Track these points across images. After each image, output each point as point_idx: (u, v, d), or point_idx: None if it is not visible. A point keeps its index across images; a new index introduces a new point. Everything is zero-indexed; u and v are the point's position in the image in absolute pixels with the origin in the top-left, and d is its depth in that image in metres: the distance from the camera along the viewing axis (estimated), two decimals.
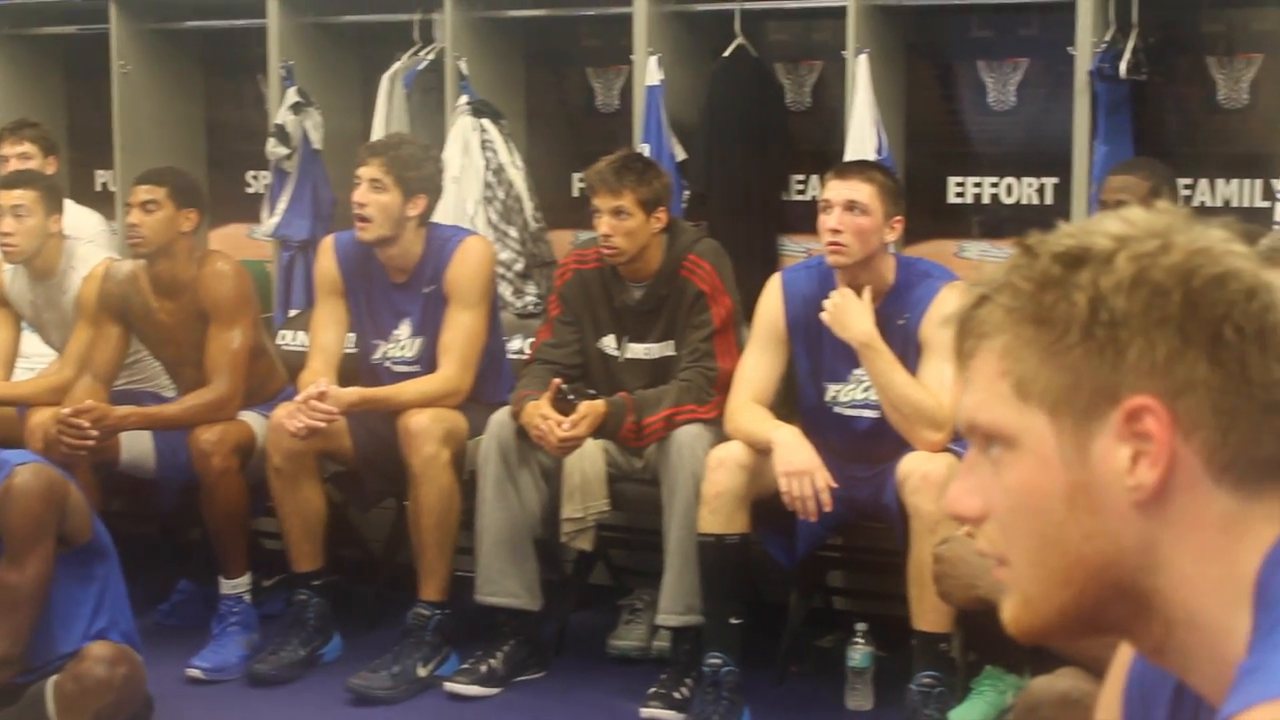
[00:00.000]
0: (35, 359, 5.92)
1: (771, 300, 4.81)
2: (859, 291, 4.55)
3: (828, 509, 4.52)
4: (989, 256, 5.62)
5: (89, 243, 5.78)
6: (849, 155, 5.31)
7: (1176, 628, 1.32)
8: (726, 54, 5.73)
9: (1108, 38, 5.14)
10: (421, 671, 5.00)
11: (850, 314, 4.53)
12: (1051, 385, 1.31)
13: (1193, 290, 1.29)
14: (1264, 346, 1.30)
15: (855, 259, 4.55)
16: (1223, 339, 1.29)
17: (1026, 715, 2.79)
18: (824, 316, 4.58)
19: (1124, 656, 1.52)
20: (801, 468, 4.52)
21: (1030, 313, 1.31)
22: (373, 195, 5.11)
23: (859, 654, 4.71)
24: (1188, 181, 5.34)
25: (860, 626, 4.74)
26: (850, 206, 4.53)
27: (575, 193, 6.17)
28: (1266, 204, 5.12)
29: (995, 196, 5.71)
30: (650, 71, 5.65)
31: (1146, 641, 1.35)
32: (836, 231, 4.53)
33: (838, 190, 4.57)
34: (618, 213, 4.90)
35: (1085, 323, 1.29)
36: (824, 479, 4.50)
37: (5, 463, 4.20)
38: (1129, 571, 1.31)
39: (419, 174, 5.17)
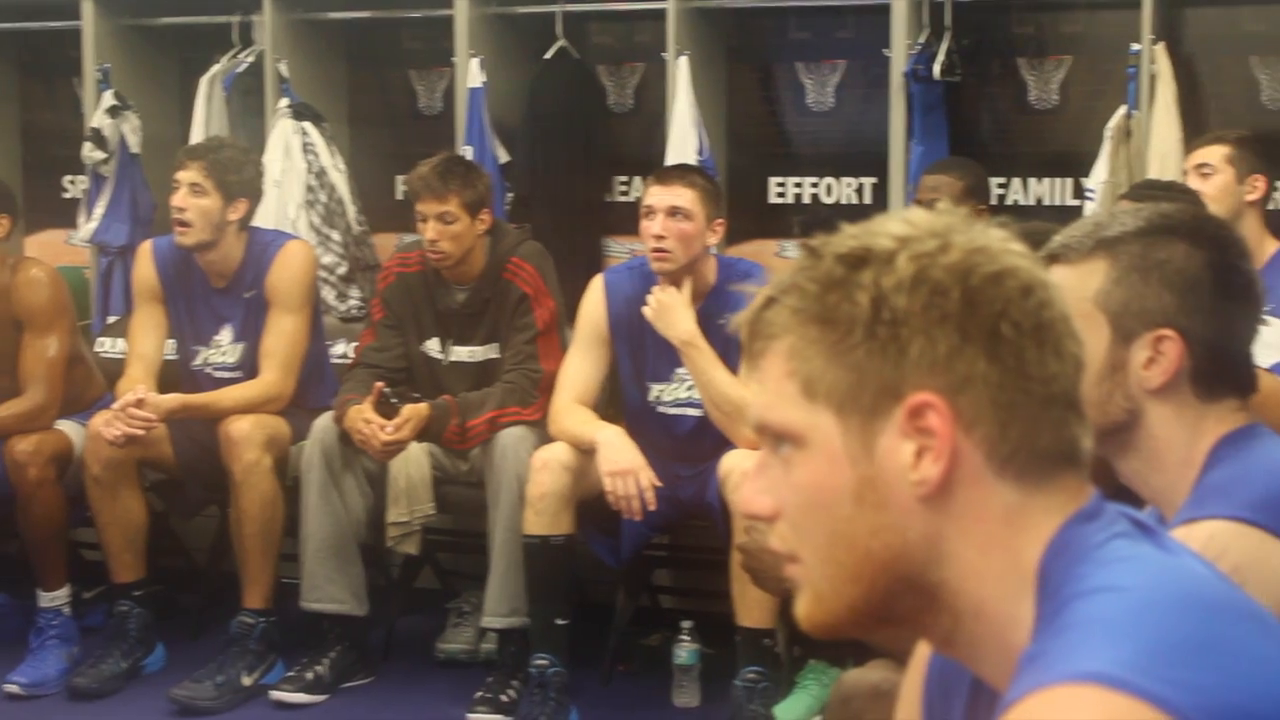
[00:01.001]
0: None
1: (594, 301, 4.82)
2: (679, 289, 4.57)
3: (652, 508, 4.53)
4: None
5: None
6: (670, 157, 5.34)
7: (964, 619, 1.34)
8: (548, 56, 5.72)
9: (922, 40, 5.21)
10: (246, 680, 4.93)
11: (673, 313, 4.55)
12: (837, 384, 1.33)
13: (971, 288, 1.32)
14: (1040, 342, 1.33)
15: (680, 264, 4.57)
16: (1000, 335, 1.31)
17: (839, 707, 2.82)
18: (646, 312, 4.59)
19: (925, 649, 1.54)
20: (625, 467, 4.52)
21: (815, 313, 1.33)
22: (192, 200, 5.03)
23: (685, 651, 4.72)
24: (1001, 181, 5.44)
25: (686, 624, 4.75)
26: (673, 212, 4.55)
27: (399, 196, 6.12)
28: (1077, 202, 5.21)
29: (815, 196, 5.76)
30: (472, 74, 5.63)
31: (936, 633, 1.37)
32: (660, 238, 4.55)
33: (660, 196, 4.58)
34: (443, 217, 4.87)
35: (868, 322, 1.31)
36: (648, 478, 4.51)
37: None
38: (916, 565, 1.33)
39: (239, 178, 5.10)
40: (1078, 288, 2.00)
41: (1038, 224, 2.85)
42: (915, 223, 1.35)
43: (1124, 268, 2.01)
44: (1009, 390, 1.32)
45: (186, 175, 5.05)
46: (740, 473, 4.41)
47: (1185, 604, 1.26)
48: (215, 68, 6.08)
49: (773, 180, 5.81)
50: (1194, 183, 4.53)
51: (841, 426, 1.33)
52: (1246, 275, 2.06)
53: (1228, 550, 1.83)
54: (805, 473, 1.35)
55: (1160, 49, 5.00)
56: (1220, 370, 2.01)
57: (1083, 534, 1.33)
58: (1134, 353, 2.01)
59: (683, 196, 4.57)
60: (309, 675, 4.90)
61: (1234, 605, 1.30)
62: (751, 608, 4.44)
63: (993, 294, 1.32)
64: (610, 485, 4.52)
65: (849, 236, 1.35)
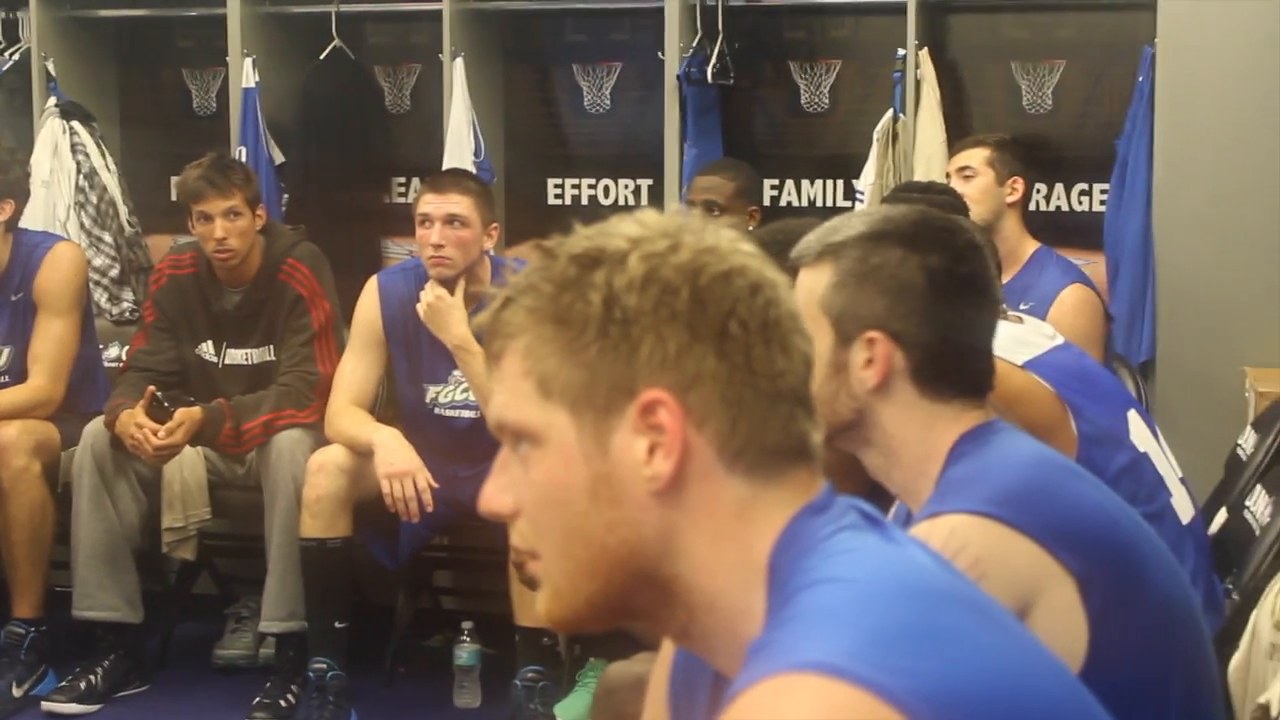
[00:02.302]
0: None
1: (368, 303, 4.76)
2: (452, 291, 4.53)
3: (430, 509, 4.49)
4: None
5: None
6: (447, 158, 5.30)
7: (698, 612, 1.36)
8: (323, 56, 5.63)
9: (695, 43, 5.23)
10: (17, 692, 4.80)
11: (446, 316, 4.51)
12: (571, 382, 1.34)
13: (700, 287, 1.34)
14: (768, 339, 1.36)
15: (459, 269, 4.55)
16: (728, 333, 1.34)
17: (604, 699, 2.84)
18: (419, 312, 4.55)
19: (670, 643, 1.56)
20: (402, 469, 4.48)
21: (550, 313, 1.35)
22: None
23: (465, 652, 4.68)
24: (774, 183, 5.48)
25: (466, 625, 4.71)
26: (450, 220, 4.53)
27: (173, 196, 5.97)
28: (848, 204, 5.27)
29: (593, 198, 5.75)
30: (246, 73, 5.53)
31: (674, 627, 1.39)
32: (439, 246, 4.52)
33: (436, 204, 4.55)
34: (231, 213, 4.77)
35: (600, 321, 1.33)
36: (425, 479, 4.48)
37: None
38: (651, 560, 1.35)
39: (4, 178, 4.96)
40: (810, 290, 2.06)
41: (795, 221, 2.89)
42: (647, 223, 1.38)
43: (843, 272, 2.05)
44: (738, 387, 1.35)
45: None
46: None
47: (906, 593, 1.28)
48: None
49: (551, 181, 5.79)
50: (956, 185, 4.60)
51: (576, 424, 1.35)
52: (970, 278, 2.08)
53: (968, 544, 1.86)
54: (542, 470, 1.36)
55: (925, 55, 5.09)
56: (943, 370, 2.05)
57: (811, 526, 1.35)
58: (853, 354, 2.05)
59: (459, 204, 4.54)
60: (82, 685, 4.77)
61: (955, 594, 1.33)
62: (530, 607, 4.40)
63: (721, 293, 1.35)
64: (387, 487, 4.48)
65: (583, 237, 1.37)
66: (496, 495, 1.40)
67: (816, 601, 1.27)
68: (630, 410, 1.33)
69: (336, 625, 4.58)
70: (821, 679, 1.18)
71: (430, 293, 4.53)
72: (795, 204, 5.48)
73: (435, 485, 4.49)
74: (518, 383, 1.36)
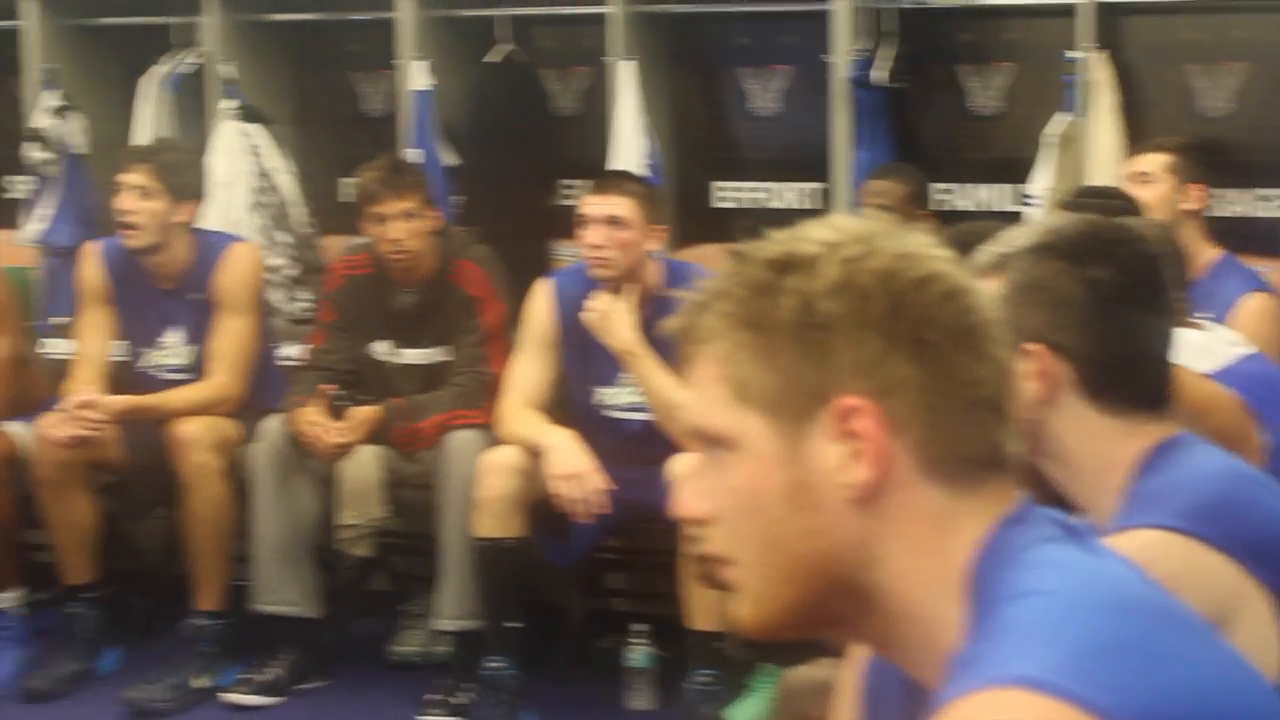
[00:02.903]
0: None
1: (541, 305, 4.77)
2: (618, 293, 4.53)
3: (602, 511, 4.48)
4: None
5: None
6: (614, 161, 5.29)
7: (896, 621, 1.35)
8: (493, 60, 5.66)
9: (864, 46, 5.18)
10: (199, 683, 4.87)
11: (613, 321, 4.51)
12: (766, 388, 1.33)
13: (895, 293, 1.32)
14: (965, 346, 1.33)
15: (620, 271, 4.54)
16: (925, 340, 1.32)
17: (785, 703, 2.85)
18: (587, 319, 4.55)
19: (861, 648, 1.56)
20: (574, 470, 4.48)
21: (743, 317, 1.33)
22: (139, 202, 4.95)
23: (638, 654, 4.67)
24: (945, 186, 5.41)
25: (639, 627, 4.70)
26: (610, 221, 4.52)
27: (344, 198, 6.03)
28: (1018, 208, 5.20)
29: (760, 201, 5.72)
30: (419, 76, 5.57)
31: (870, 635, 1.38)
32: (598, 247, 4.51)
33: (596, 206, 4.56)
34: (408, 215, 4.81)
35: (794, 326, 1.32)
36: (597, 481, 4.47)
37: None
38: (849, 567, 1.34)
39: (186, 180, 5.03)
40: None
41: (979, 224, 2.86)
42: (841, 228, 1.36)
43: (1010, 285, 2.04)
44: (935, 394, 1.32)
45: (132, 178, 4.97)
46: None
47: (1110, 607, 1.26)
48: (158, 69, 5.99)
49: (717, 184, 5.77)
50: (1132, 190, 4.52)
51: (771, 430, 1.33)
52: (1138, 289, 2.06)
53: (1160, 559, 1.83)
54: (737, 476, 1.35)
55: (1099, 57, 5.00)
56: (1112, 382, 2.02)
57: (1011, 537, 1.33)
58: (1021, 366, 2.02)
59: (619, 205, 4.53)
60: (262, 677, 4.84)
61: (1158, 608, 1.31)
62: (703, 610, 4.40)
63: (917, 299, 1.33)
64: (559, 489, 4.48)
65: (776, 241, 1.36)
66: (691, 500, 1.38)
67: (1021, 615, 1.25)
68: (825, 417, 1.31)
69: (510, 625, 4.59)
70: (1030, 694, 1.17)
71: (598, 301, 4.54)
72: (964, 208, 5.42)
73: (608, 487, 4.49)
74: (712, 388, 1.35)
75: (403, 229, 4.82)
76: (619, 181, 4.70)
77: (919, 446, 1.32)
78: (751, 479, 1.34)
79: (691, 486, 1.38)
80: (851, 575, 1.34)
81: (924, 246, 1.36)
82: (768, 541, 1.34)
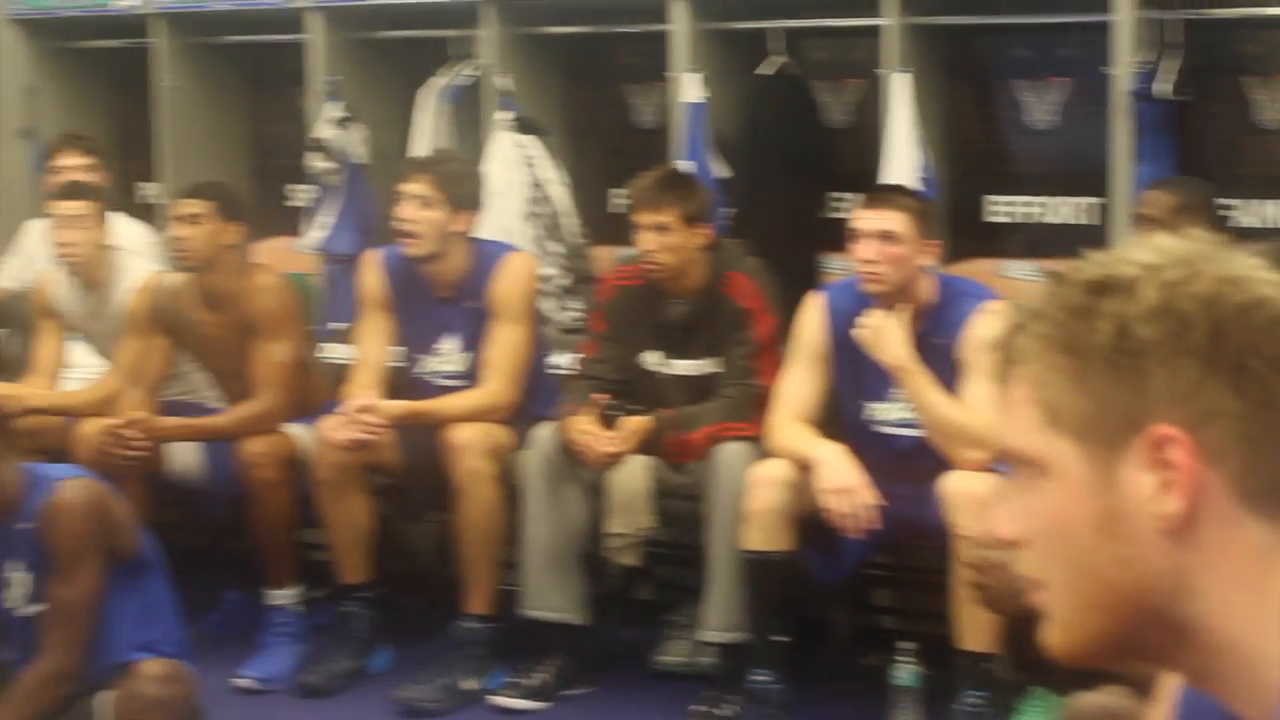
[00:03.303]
0: (84, 369, 5.87)
1: (812, 318, 4.73)
2: (890, 308, 4.47)
3: (873, 527, 4.42)
4: (1029, 275, 5.50)
5: (138, 255, 5.72)
6: (887, 174, 5.23)
7: (1216, 654, 1.29)
8: (765, 72, 5.63)
9: (1147, 58, 5.03)
10: (468, 684, 4.93)
11: (885, 337, 4.45)
12: (1079, 413, 1.29)
13: (1218, 319, 1.26)
14: None
15: (892, 286, 4.49)
16: (1248, 368, 1.26)
17: None
18: (859, 335, 4.50)
19: (1172, 679, 1.50)
20: (844, 485, 4.43)
21: (1058, 340, 1.30)
22: (420, 211, 5.04)
23: (905, 673, 4.60)
24: (1230, 202, 5.23)
25: (906, 645, 4.63)
26: (882, 235, 4.47)
27: (616, 209, 6.07)
28: None
29: (1035, 216, 5.60)
30: (691, 89, 5.57)
31: (1187, 668, 1.33)
32: (870, 262, 4.46)
33: (869, 220, 4.51)
34: (660, 228, 4.82)
35: (1110, 351, 1.27)
36: (867, 496, 4.41)
37: (49, 478, 4.12)
38: (1163, 598, 1.29)
39: (465, 190, 5.12)
40: None
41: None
42: (1163, 250, 1.30)
43: None
44: (1256, 425, 1.26)
45: (413, 187, 5.06)
46: (963, 495, 4.32)
47: None
48: (437, 81, 6.08)
49: (993, 199, 5.66)
50: None
51: (1083, 456, 1.29)
52: None
53: None
54: (1048, 501, 1.31)
55: None
56: None
57: None
58: None
59: (891, 220, 4.48)
60: (530, 682, 4.89)
61: None
62: (974, 630, 4.32)
63: (1240, 325, 1.26)
64: (829, 503, 4.43)
65: (1095, 263, 1.32)
66: (1004, 521, 1.35)
67: None
68: (1139, 444, 1.26)
69: (777, 639, 4.57)
70: None
71: (870, 318, 4.48)
72: (1251, 224, 5.22)
73: (878, 502, 4.43)
74: (1025, 410, 1.32)
75: (653, 241, 4.82)
76: (891, 195, 4.64)
77: (1236, 478, 1.27)
78: (1061, 505, 1.31)
79: (1004, 507, 1.36)
80: (1165, 606, 1.29)
81: (1251, 270, 1.30)
82: (1077, 568, 1.31)
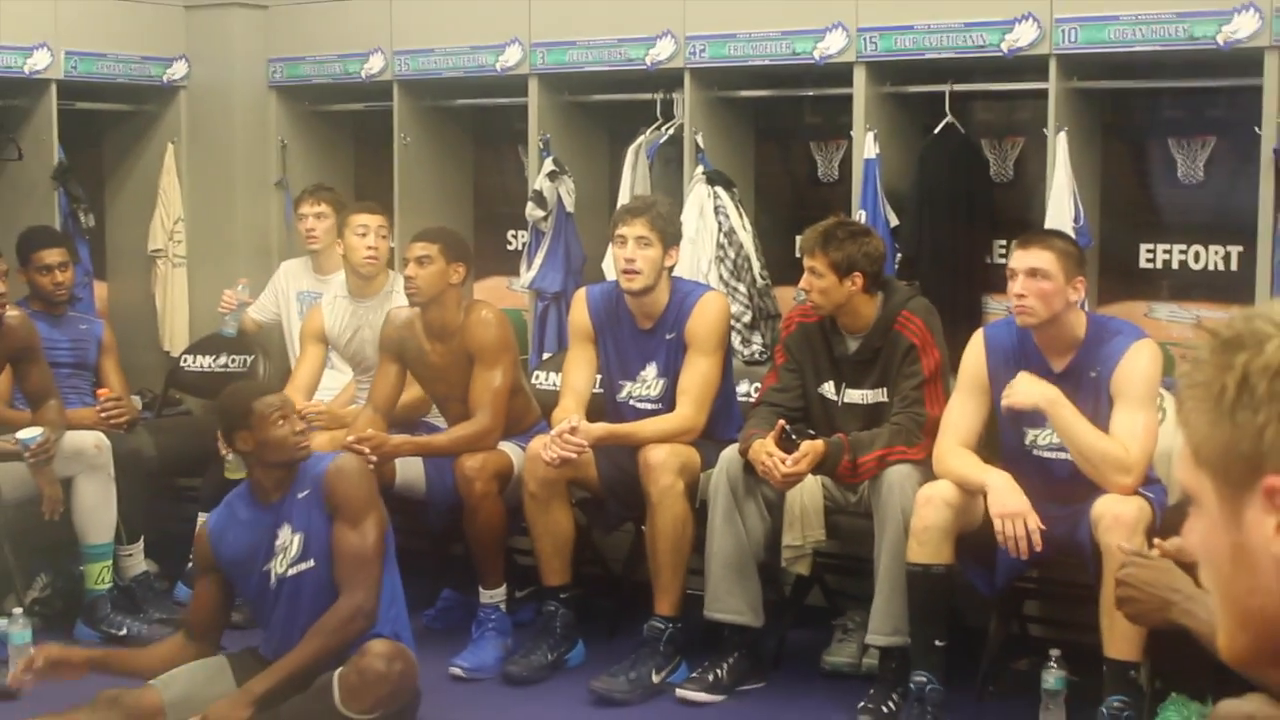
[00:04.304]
0: (328, 390, 6.11)
1: (975, 353, 4.76)
2: (1049, 350, 4.52)
3: (1039, 549, 4.43)
4: (1176, 318, 5.48)
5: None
6: (1048, 223, 5.22)
7: None
8: (937, 130, 5.67)
9: None
10: (655, 678, 5.01)
11: (1024, 386, 4.49)
12: (1213, 455, 1.32)
13: None
14: None
15: (1041, 319, 4.51)
16: None
17: None
18: (1005, 403, 4.51)
19: None
20: (1015, 510, 4.44)
21: (1201, 387, 1.33)
22: (640, 251, 5.15)
23: (1053, 677, 4.59)
24: None
25: (1054, 652, 4.62)
26: (1033, 273, 4.50)
27: (798, 253, 6.12)
28: None
29: (1183, 262, 5.56)
30: (868, 146, 5.62)
31: None
32: (1021, 296, 4.50)
33: (1021, 259, 4.55)
34: (814, 273, 4.89)
35: (1234, 401, 1.29)
36: (1035, 521, 4.42)
37: (321, 457, 4.45)
38: None
39: (674, 229, 5.24)
40: None
41: None
42: None
43: None
44: None
45: (633, 230, 5.17)
46: (1112, 516, 4.32)
47: None
48: (640, 138, 6.19)
49: (1144, 246, 5.64)
50: None
51: (1219, 494, 1.32)
52: None
53: None
54: (1200, 529, 1.35)
55: None
56: None
57: None
58: None
59: (1040, 258, 4.51)
60: (710, 677, 4.95)
61: None
62: (1119, 640, 4.31)
63: None
64: (1000, 527, 4.44)
65: (1240, 317, 1.34)
66: (1186, 539, 1.39)
67: None
68: (1260, 488, 1.28)
69: (936, 643, 4.58)
70: None
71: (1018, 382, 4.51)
72: None
73: (1044, 527, 4.44)
74: (1184, 446, 1.35)
75: (808, 282, 4.90)
76: (1042, 237, 4.66)
77: None
78: (1208, 534, 1.34)
79: (1187, 527, 1.40)
80: None
81: None
82: (1222, 591, 1.34)
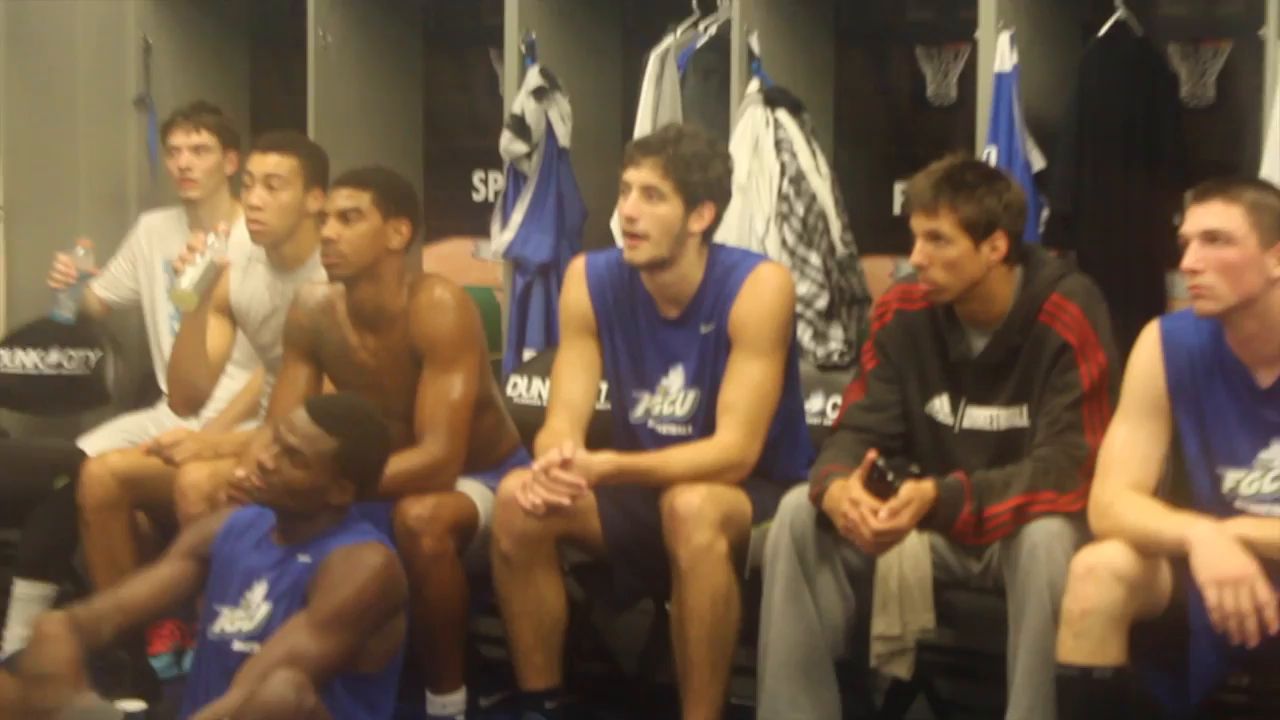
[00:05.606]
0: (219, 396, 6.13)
1: (1147, 356, 4.69)
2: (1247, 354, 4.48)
3: (1272, 629, 4.35)
4: None
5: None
6: (1265, 168, 5.18)
7: None
8: (1103, 31, 5.66)
9: None
10: None
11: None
12: None
13: None
14: None
15: (1227, 304, 4.45)
16: None
17: None
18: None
19: None
20: (1236, 574, 4.36)
21: None
22: (646, 206, 5.13)
23: None
24: None
25: None
26: (1210, 237, 4.45)
27: (897, 209, 6.08)
28: None
29: None
30: (1001, 53, 5.61)
31: None
32: (1195, 272, 4.45)
33: (1193, 219, 4.50)
34: (934, 237, 4.82)
35: None
36: (1265, 590, 4.35)
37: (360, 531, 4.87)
38: None
39: (705, 178, 5.18)
40: None
41: None
42: None
43: None
44: None
45: (639, 175, 5.15)
46: None
47: None
48: (668, 40, 6.20)
49: None
50: None
51: None
52: None
53: None
54: None
55: None
56: None
57: None
58: None
59: (1220, 216, 4.45)
60: None
61: None
62: None
63: None
64: (1217, 599, 4.35)
65: None
66: None
67: None
68: None
69: None
70: None
71: None
72: None
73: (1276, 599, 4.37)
74: None
75: (925, 254, 4.81)
76: (1227, 187, 4.56)
77: None
78: None
79: None
80: None
81: None
82: None
